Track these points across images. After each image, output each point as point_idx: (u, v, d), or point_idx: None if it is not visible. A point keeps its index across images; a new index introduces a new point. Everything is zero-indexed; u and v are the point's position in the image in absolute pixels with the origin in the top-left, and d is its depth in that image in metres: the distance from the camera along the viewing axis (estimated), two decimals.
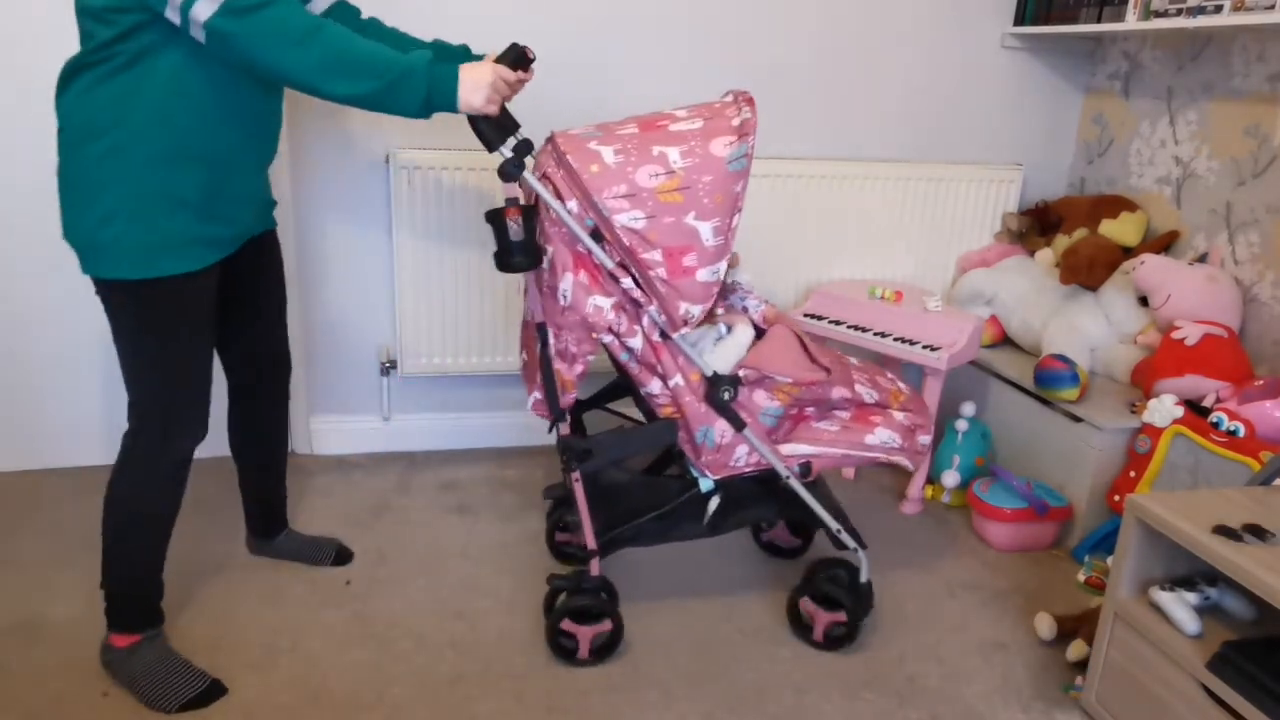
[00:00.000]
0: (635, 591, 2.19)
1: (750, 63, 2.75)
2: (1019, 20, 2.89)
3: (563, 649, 1.93)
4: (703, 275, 1.70)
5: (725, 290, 1.98)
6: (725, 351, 1.84)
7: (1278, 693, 1.47)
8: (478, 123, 1.61)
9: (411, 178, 2.54)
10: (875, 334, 2.60)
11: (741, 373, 1.80)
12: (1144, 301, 2.56)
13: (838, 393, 1.90)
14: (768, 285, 2.90)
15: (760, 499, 1.96)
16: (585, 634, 1.92)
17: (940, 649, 2.05)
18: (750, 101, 1.74)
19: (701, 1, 2.66)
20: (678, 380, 1.78)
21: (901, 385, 2.03)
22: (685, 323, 1.73)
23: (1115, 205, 2.78)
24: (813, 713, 1.84)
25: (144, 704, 1.75)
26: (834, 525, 1.96)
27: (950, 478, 2.63)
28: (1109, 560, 2.04)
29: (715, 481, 1.89)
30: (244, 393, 2.08)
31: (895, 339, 2.56)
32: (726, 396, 1.78)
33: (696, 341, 1.84)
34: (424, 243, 2.60)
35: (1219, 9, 2.26)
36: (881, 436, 1.92)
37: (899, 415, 1.96)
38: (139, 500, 1.74)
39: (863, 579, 2.02)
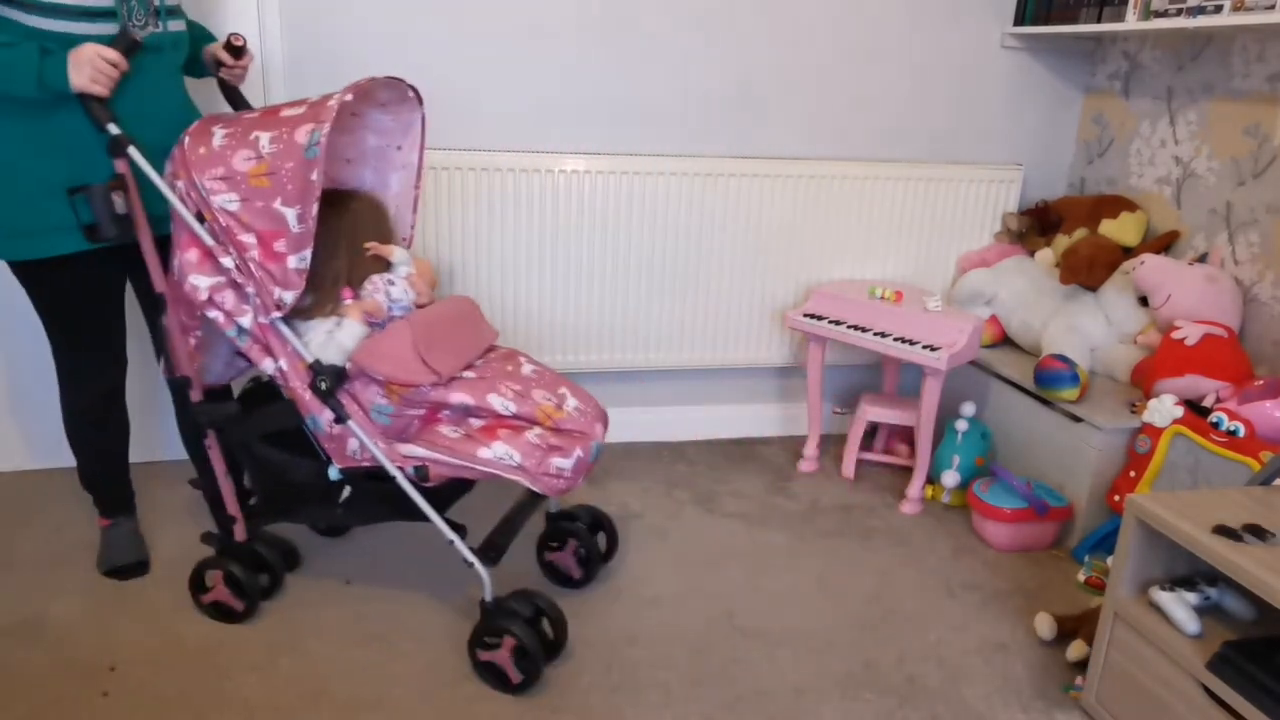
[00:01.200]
0: (636, 592, 2.19)
1: (750, 63, 2.75)
2: (1019, 20, 2.89)
3: (221, 611, 2.01)
4: (293, 262, 1.70)
5: (359, 278, 1.91)
6: (334, 341, 1.81)
7: (1278, 693, 1.47)
8: (85, 101, 1.69)
9: None
10: (875, 334, 2.60)
11: (347, 365, 1.79)
12: (1144, 301, 2.56)
13: (457, 398, 1.81)
14: (768, 285, 2.90)
15: (393, 498, 1.85)
16: (223, 592, 2.00)
17: (940, 649, 2.05)
18: (359, 89, 1.75)
19: (700, 1, 2.67)
20: (283, 364, 1.78)
21: (570, 405, 1.88)
22: (279, 307, 1.73)
23: (1115, 205, 2.78)
24: (812, 713, 1.84)
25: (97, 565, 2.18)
26: (449, 535, 1.85)
27: (950, 478, 2.63)
28: (1109, 560, 2.04)
29: (343, 471, 1.85)
30: (177, 401, 2.13)
31: (895, 339, 2.57)
32: (324, 386, 1.75)
33: (308, 331, 1.82)
34: (422, 242, 2.60)
35: (1219, 9, 2.26)
36: (497, 452, 1.77)
37: (533, 433, 1.80)
38: (71, 424, 2.09)
39: (485, 598, 1.85)
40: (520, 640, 1.81)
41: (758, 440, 3.10)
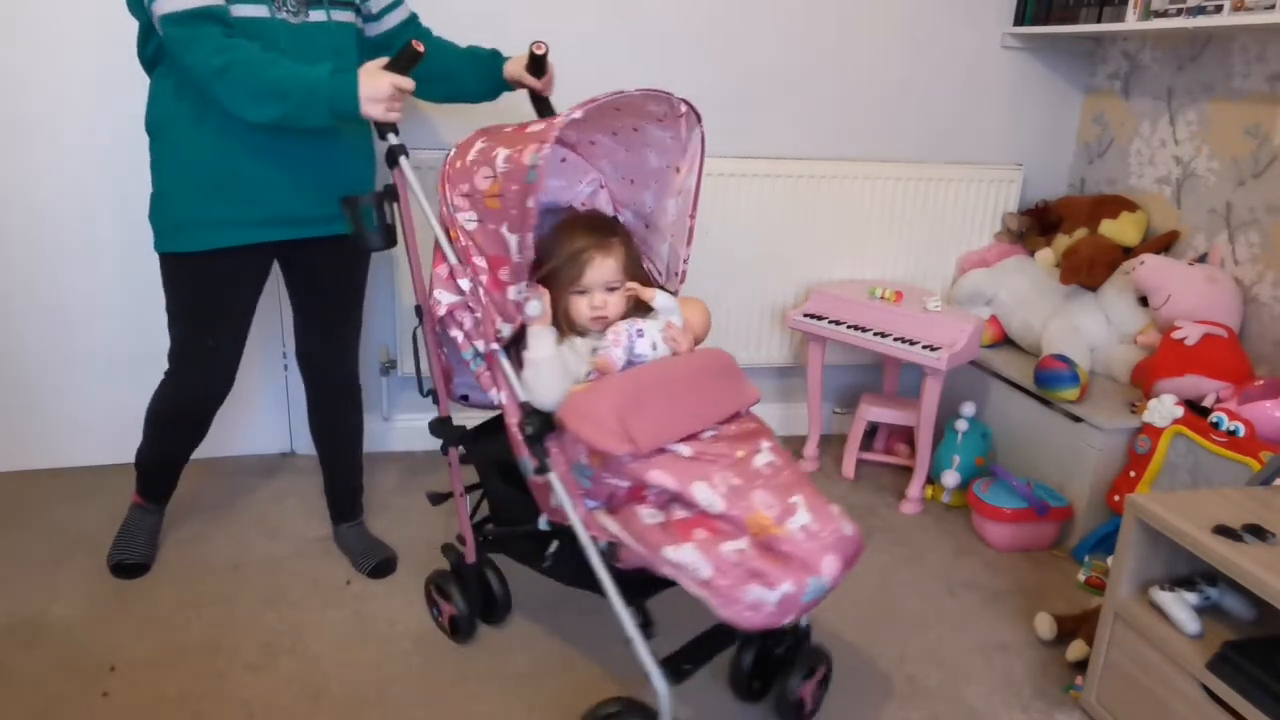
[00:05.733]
0: None
1: (750, 63, 2.75)
2: (1019, 20, 2.89)
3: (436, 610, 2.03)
4: (511, 293, 1.58)
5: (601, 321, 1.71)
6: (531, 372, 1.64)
7: (1278, 693, 1.47)
8: (379, 125, 1.70)
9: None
10: (875, 334, 2.60)
11: (558, 414, 1.58)
12: (1144, 301, 2.56)
13: (656, 477, 1.50)
14: (768, 285, 2.90)
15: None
16: (446, 609, 1.98)
17: (940, 649, 2.05)
18: (625, 103, 1.62)
19: (700, 1, 2.67)
20: (503, 396, 1.64)
21: (796, 522, 1.47)
22: (498, 339, 1.61)
23: (1115, 205, 2.78)
24: None
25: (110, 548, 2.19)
26: (628, 630, 1.56)
27: (950, 478, 2.63)
28: (1109, 560, 2.04)
29: (551, 524, 1.68)
30: (309, 393, 2.21)
31: (895, 339, 2.57)
32: (529, 431, 1.57)
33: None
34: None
35: (1219, 9, 2.26)
36: (685, 556, 1.45)
37: (735, 545, 1.45)
38: (156, 418, 2.09)
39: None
40: None
41: None
